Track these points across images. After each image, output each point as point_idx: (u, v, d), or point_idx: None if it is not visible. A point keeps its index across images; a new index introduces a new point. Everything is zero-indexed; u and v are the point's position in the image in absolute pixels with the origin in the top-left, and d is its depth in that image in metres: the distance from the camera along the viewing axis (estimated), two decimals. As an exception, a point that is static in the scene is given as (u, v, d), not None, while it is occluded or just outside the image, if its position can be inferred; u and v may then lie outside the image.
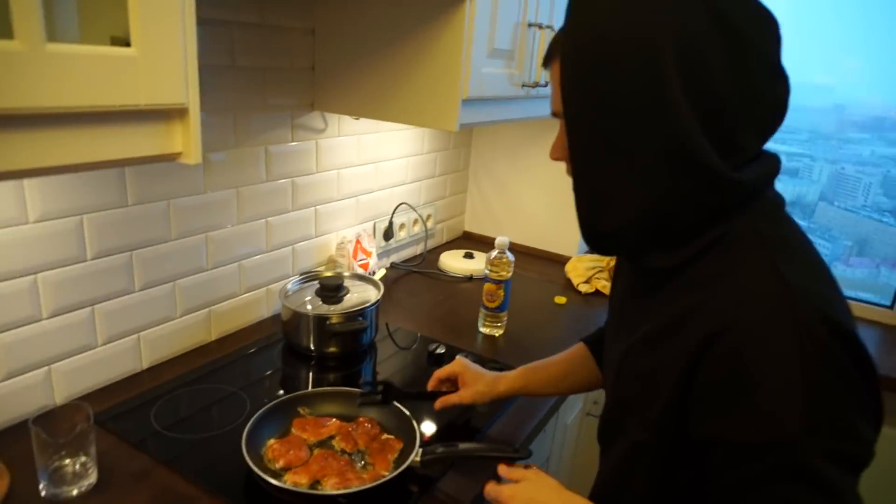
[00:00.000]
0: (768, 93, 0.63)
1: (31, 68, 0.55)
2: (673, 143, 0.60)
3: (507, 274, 1.45)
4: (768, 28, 0.63)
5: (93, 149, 0.63)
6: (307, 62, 1.39)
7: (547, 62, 0.74)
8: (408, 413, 1.04)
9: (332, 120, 1.50)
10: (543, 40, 1.44)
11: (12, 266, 0.95)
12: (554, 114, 0.72)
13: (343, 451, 0.99)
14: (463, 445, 0.98)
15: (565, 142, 0.69)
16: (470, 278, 1.84)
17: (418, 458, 0.95)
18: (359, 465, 0.97)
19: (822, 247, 2.10)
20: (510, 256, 1.46)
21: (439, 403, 1.07)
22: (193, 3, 0.67)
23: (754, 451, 0.57)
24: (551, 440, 1.42)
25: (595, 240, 0.71)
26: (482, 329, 1.50)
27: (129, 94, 0.63)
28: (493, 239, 1.48)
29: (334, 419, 1.06)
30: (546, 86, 1.50)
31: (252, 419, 0.98)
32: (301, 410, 1.07)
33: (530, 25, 1.39)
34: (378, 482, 0.89)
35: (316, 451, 0.98)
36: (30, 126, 0.57)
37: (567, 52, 0.64)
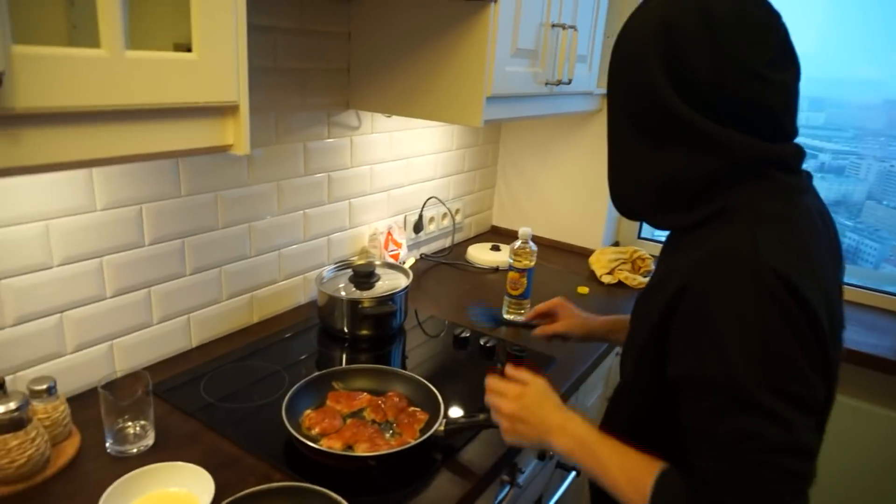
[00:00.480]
0: (742, 94, 0.70)
1: (113, 72, 0.65)
2: (663, 115, 0.72)
3: (529, 263, 1.52)
4: (757, 36, 0.70)
5: (159, 140, 0.73)
6: (343, 64, 1.48)
7: None
8: (433, 388, 1.12)
9: (366, 118, 1.59)
10: (565, 40, 1.51)
11: (83, 249, 1.06)
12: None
13: (373, 421, 1.08)
14: (483, 416, 1.05)
15: None
16: (496, 269, 1.92)
17: (442, 428, 1.03)
18: (387, 433, 1.05)
19: (870, 247, 2.08)
20: (532, 246, 1.53)
21: (539, 331, 1.22)
22: (245, 14, 0.76)
23: (714, 385, 0.66)
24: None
25: (616, 201, 0.84)
26: (506, 316, 1.58)
27: (190, 92, 0.73)
28: (511, 245, 1.56)
29: (365, 393, 1.15)
30: (570, 83, 1.56)
31: (291, 390, 1.08)
32: (335, 384, 1.16)
33: (553, 26, 1.46)
34: (405, 447, 0.98)
35: (349, 421, 1.07)
36: (109, 121, 0.67)
37: (614, 54, 0.80)
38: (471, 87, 1.31)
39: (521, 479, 1.19)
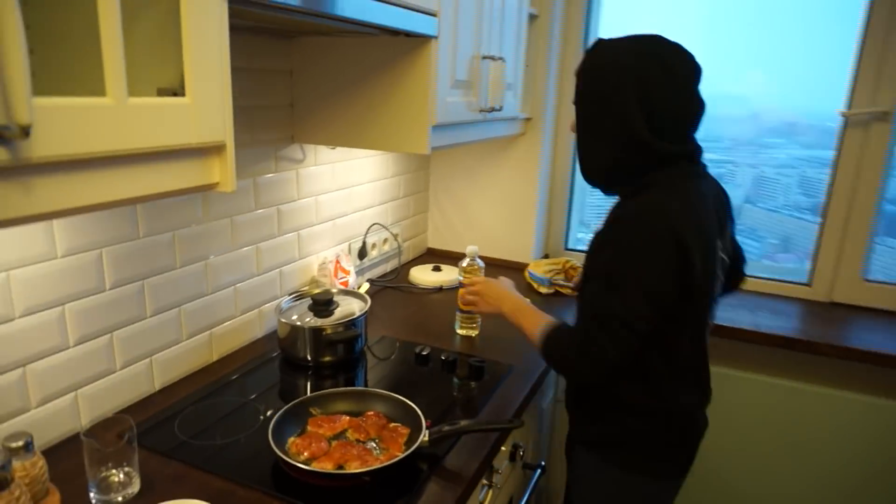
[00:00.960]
0: (683, 109, 1.10)
1: (117, 118, 0.67)
2: (625, 124, 1.09)
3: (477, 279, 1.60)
4: (692, 70, 1.10)
5: (155, 182, 0.76)
6: (286, 100, 1.52)
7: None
8: (410, 403, 1.17)
9: (310, 150, 1.63)
10: (495, 71, 1.63)
11: (44, 298, 1.04)
12: (575, 103, 1.17)
13: (358, 440, 1.12)
14: (464, 422, 1.12)
15: (573, 121, 1.18)
16: (440, 289, 1.99)
17: (426, 438, 1.09)
18: (374, 450, 1.09)
19: (750, 246, 2.28)
20: (480, 263, 1.63)
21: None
22: (228, 57, 0.81)
23: (604, 274, 1.08)
24: (532, 424, 1.58)
25: (587, 176, 1.19)
26: (459, 331, 1.65)
27: (184, 134, 0.76)
28: (456, 253, 1.66)
29: (344, 416, 1.18)
30: (500, 110, 1.69)
31: (272, 421, 1.09)
32: (313, 411, 1.19)
33: (484, 58, 1.58)
34: (396, 459, 1.02)
35: (334, 443, 1.10)
36: (112, 166, 0.70)
37: (584, 69, 1.14)
38: (416, 117, 1.40)
39: (497, 479, 1.26)
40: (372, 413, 1.18)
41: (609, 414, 1.19)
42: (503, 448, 1.31)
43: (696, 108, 1.11)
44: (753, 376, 1.88)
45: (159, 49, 0.77)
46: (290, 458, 1.05)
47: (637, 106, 1.06)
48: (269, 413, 1.22)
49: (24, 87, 0.55)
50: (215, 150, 0.83)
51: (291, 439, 1.11)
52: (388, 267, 2.14)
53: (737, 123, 2.15)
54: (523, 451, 1.42)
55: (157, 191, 0.76)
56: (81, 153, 0.64)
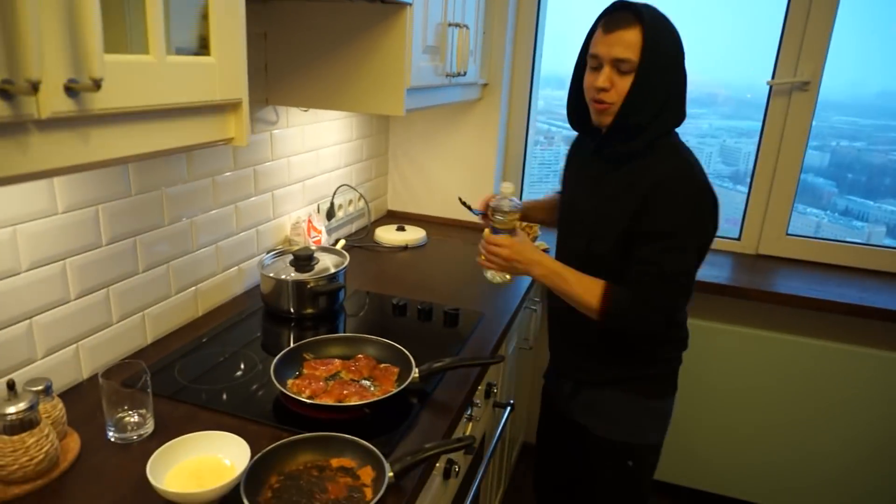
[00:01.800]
0: (684, 84, 1.23)
1: (158, 75, 0.73)
2: (680, 92, 1.21)
3: (513, 223, 1.34)
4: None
5: (182, 136, 0.82)
6: (261, 63, 1.56)
7: (622, 27, 1.15)
8: (399, 346, 1.28)
9: (282, 112, 1.68)
10: (461, 38, 1.72)
11: (48, 252, 1.07)
12: (619, 58, 1.15)
13: (352, 380, 1.21)
14: (449, 360, 1.24)
15: (613, 77, 1.17)
16: (405, 248, 2.09)
17: (417, 375, 1.20)
18: (370, 387, 1.20)
19: None
20: (517, 203, 1.33)
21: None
22: (244, 20, 0.86)
23: (667, 235, 1.17)
24: (502, 367, 1.71)
25: (613, 130, 1.21)
26: (492, 278, 1.39)
27: (210, 91, 0.82)
28: (415, 214, 1.68)
29: (336, 360, 1.27)
30: (464, 75, 1.78)
31: (272, 364, 1.17)
32: (306, 356, 1.27)
33: (450, 25, 1.66)
34: (392, 393, 1.13)
35: (331, 383, 1.19)
36: (148, 120, 0.75)
37: (650, 33, 1.13)
38: (393, 79, 1.47)
39: (476, 412, 1.39)
40: (362, 356, 1.28)
41: (639, 350, 1.33)
42: (480, 386, 1.44)
43: None
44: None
45: (178, 11, 0.82)
46: (293, 397, 1.14)
47: (685, 74, 1.20)
48: (260, 360, 1.30)
49: (99, 43, 0.60)
50: (232, 106, 0.89)
51: (290, 381, 1.19)
52: (354, 227, 2.21)
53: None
54: (496, 390, 1.55)
55: (186, 143, 0.82)
56: (131, 106, 0.70)
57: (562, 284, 1.26)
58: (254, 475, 0.91)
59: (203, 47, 0.82)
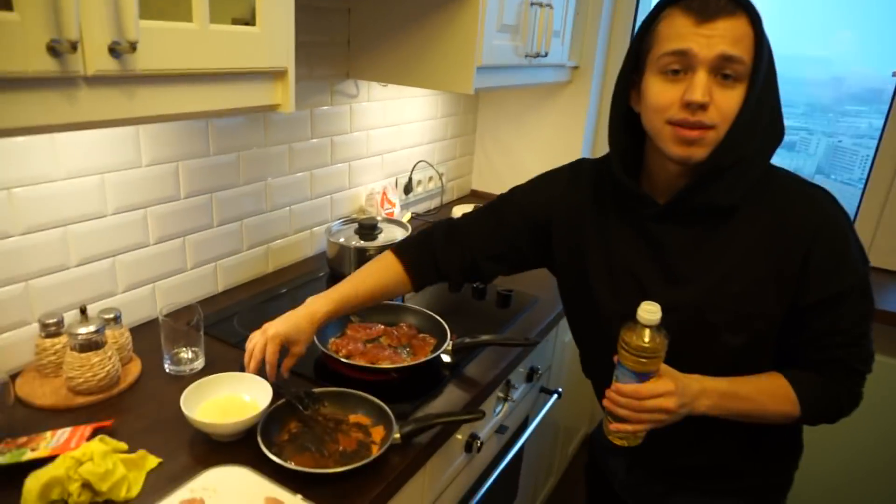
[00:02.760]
0: None
1: (201, 41, 0.81)
2: (778, 105, 0.88)
3: (651, 365, 0.93)
4: None
5: (229, 99, 0.89)
6: (343, 37, 1.64)
7: (725, 14, 0.80)
8: (439, 318, 1.31)
9: (363, 87, 1.75)
10: (543, 17, 1.69)
11: (131, 200, 1.21)
12: (727, 56, 0.80)
13: (390, 346, 1.27)
14: (485, 336, 1.25)
15: (711, 89, 0.81)
16: (479, 227, 2.11)
17: (450, 348, 1.23)
18: (404, 354, 1.24)
19: None
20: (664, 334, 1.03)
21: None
22: (293, -7, 0.92)
23: (849, 291, 0.87)
24: (552, 352, 1.70)
25: (715, 170, 0.85)
26: (618, 441, 0.98)
27: (254, 58, 0.89)
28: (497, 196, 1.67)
29: (380, 325, 1.33)
30: (546, 56, 1.75)
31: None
32: (353, 318, 1.34)
33: (532, 4, 1.64)
34: (421, 361, 1.17)
35: (369, 345, 1.25)
36: (195, 82, 0.83)
37: (758, 24, 0.81)
38: (463, 57, 1.48)
39: (514, 394, 1.40)
40: (404, 324, 1.33)
41: (784, 457, 1.05)
42: (521, 369, 1.44)
43: None
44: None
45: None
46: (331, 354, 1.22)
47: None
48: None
49: (135, 9, 0.68)
50: (279, 74, 0.96)
51: (332, 339, 1.26)
52: (432, 204, 2.26)
53: (814, 87, 2.00)
54: (540, 374, 1.55)
55: (230, 106, 0.90)
56: (173, 69, 0.78)
57: (740, 407, 0.90)
58: (275, 417, 0.99)
59: (253, 17, 0.89)
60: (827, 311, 0.88)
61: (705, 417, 0.90)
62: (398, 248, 1.17)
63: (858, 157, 2.05)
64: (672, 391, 0.85)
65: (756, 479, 1.03)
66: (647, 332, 0.83)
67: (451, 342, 1.23)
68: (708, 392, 0.88)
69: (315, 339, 1.19)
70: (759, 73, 0.81)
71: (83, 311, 1.03)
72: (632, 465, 1.14)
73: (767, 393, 0.91)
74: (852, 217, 1.93)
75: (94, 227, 1.16)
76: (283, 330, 1.02)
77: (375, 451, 0.95)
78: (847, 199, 1.98)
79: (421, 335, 1.31)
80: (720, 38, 0.80)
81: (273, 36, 0.90)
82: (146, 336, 1.24)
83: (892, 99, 1.84)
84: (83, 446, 0.86)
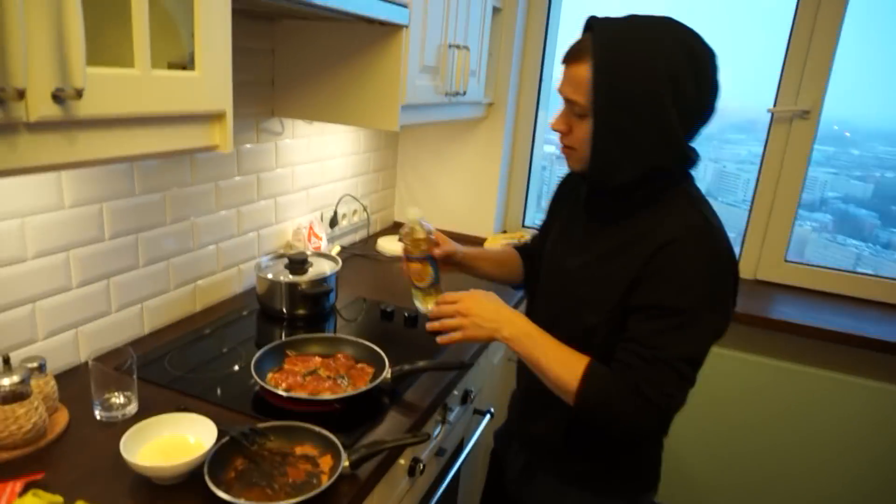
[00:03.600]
0: (710, 104, 0.96)
1: (143, 85, 0.82)
2: (663, 133, 0.93)
3: (425, 247, 1.25)
4: (714, 61, 0.94)
5: (167, 141, 0.91)
6: (268, 77, 1.66)
7: (571, 61, 0.97)
8: (376, 347, 1.34)
9: (288, 124, 1.78)
10: (461, 58, 1.79)
11: (53, 243, 1.17)
12: (568, 98, 0.98)
13: (328, 377, 1.28)
14: (421, 362, 1.30)
15: (570, 120, 0.99)
16: (405, 258, 2.16)
17: (389, 376, 1.26)
18: (344, 384, 1.26)
19: None
20: (428, 226, 1.28)
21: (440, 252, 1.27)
22: (230, 36, 0.95)
23: (667, 311, 0.92)
24: (483, 373, 1.77)
25: (595, 188, 1.03)
26: (420, 305, 1.30)
27: (194, 102, 0.91)
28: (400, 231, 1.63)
29: (317, 356, 1.34)
30: (464, 94, 1.85)
31: (254, 357, 1.25)
32: (289, 352, 1.35)
33: (450, 46, 1.74)
34: (363, 389, 1.20)
35: (308, 377, 1.26)
36: (134, 125, 0.84)
37: (599, 68, 0.92)
38: (388, 97, 1.55)
39: (450, 416, 1.44)
40: (341, 355, 1.35)
41: (605, 449, 1.10)
42: (455, 392, 1.49)
43: (714, 108, 0.97)
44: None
45: (170, 28, 0.92)
46: (269, 389, 1.22)
47: (673, 110, 0.91)
48: (249, 356, 1.38)
49: (82, 56, 0.69)
50: (217, 116, 0.98)
51: (270, 374, 1.27)
52: (357, 237, 2.30)
53: None
54: (474, 396, 1.61)
55: (170, 148, 0.91)
56: (116, 113, 0.79)
57: (535, 353, 1.01)
58: (220, 456, 0.99)
59: (190, 62, 0.91)
60: (644, 319, 0.94)
61: (576, 430, 1.07)
62: (519, 248, 1.41)
63: (741, 181, 2.28)
64: (463, 301, 1.09)
65: (598, 465, 1.10)
66: (414, 227, 1.22)
67: (389, 371, 1.26)
68: (517, 325, 1.04)
69: (253, 372, 1.20)
70: (598, 113, 0.94)
71: (6, 360, 0.99)
72: (508, 437, 1.30)
73: (561, 357, 0.99)
74: (739, 236, 2.21)
75: (12, 273, 1.11)
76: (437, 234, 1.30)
77: (325, 481, 0.96)
78: (733, 218, 2.23)
79: (359, 365, 1.33)
80: (565, 83, 0.99)
81: (211, 79, 0.93)
82: (72, 383, 1.19)
83: (768, 130, 2.09)
84: (16, 502, 0.82)
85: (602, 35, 0.93)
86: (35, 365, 1.05)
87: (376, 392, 1.25)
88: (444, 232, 1.46)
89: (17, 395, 0.98)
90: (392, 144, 2.43)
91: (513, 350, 1.04)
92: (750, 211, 2.18)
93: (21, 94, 0.65)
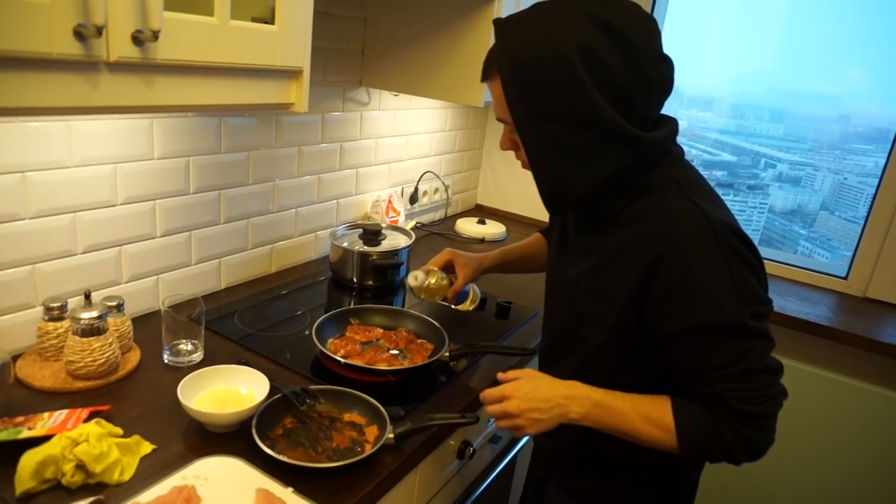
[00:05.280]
0: (655, 76, 0.82)
1: (221, 35, 0.83)
2: (602, 129, 0.81)
3: (440, 296, 1.33)
4: (645, 24, 0.81)
5: (244, 94, 0.91)
6: (359, 45, 1.67)
7: (485, 78, 0.91)
8: (437, 324, 1.32)
9: (375, 95, 1.78)
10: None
11: (141, 191, 1.23)
12: (499, 119, 0.92)
13: (388, 349, 1.27)
14: (482, 343, 1.26)
15: (513, 137, 0.91)
16: (482, 240, 2.12)
17: (447, 354, 1.23)
18: (401, 358, 1.25)
19: (821, 256, 2.12)
20: (427, 280, 1.31)
21: (451, 293, 1.30)
22: (313, -4, 0.95)
23: (710, 328, 0.81)
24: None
25: (556, 210, 0.94)
26: (461, 309, 1.41)
27: (271, 56, 0.91)
28: (502, 211, 1.67)
29: (378, 328, 1.34)
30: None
31: (316, 322, 1.26)
32: (352, 320, 1.35)
33: (545, 22, 1.67)
34: (418, 365, 1.18)
35: (368, 348, 1.26)
36: (212, 75, 0.85)
37: (505, 79, 0.83)
38: (475, 71, 1.50)
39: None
40: (403, 329, 1.34)
41: (615, 468, 1.01)
42: (517, 380, 1.44)
43: (662, 70, 0.84)
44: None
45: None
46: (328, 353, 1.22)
47: (599, 92, 0.79)
48: (314, 320, 1.39)
49: (159, 1, 0.70)
50: (294, 74, 0.98)
51: (331, 340, 1.27)
52: (437, 215, 2.28)
53: (821, 124, 2.02)
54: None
55: (245, 101, 0.92)
56: (193, 60, 0.80)
57: (613, 420, 0.89)
58: (271, 412, 1.00)
59: (272, 17, 0.92)
60: (689, 345, 0.83)
61: (592, 445, 0.98)
62: (543, 231, 1.37)
63: (863, 196, 2.05)
64: (509, 394, 0.93)
65: (609, 482, 1.02)
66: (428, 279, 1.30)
67: (447, 349, 1.24)
68: (579, 399, 0.90)
69: (314, 336, 1.21)
70: (517, 125, 0.85)
71: (87, 296, 1.05)
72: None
73: (642, 412, 0.87)
74: (845, 252, 1.97)
75: (102, 216, 1.17)
76: (460, 253, 1.34)
77: (368, 450, 0.95)
78: (850, 236, 2.00)
79: (419, 340, 1.31)
80: (493, 101, 0.91)
81: (291, 35, 0.93)
82: (147, 326, 1.25)
83: (895, 138, 1.87)
84: (79, 428, 0.86)
85: (503, 38, 0.84)
86: (114, 304, 1.11)
87: (433, 369, 1.23)
88: (525, 218, 1.46)
89: (94, 330, 1.03)
90: (480, 124, 2.39)
91: (590, 426, 0.91)
92: (865, 223, 1.96)
93: (100, 31, 0.67)
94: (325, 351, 1.18)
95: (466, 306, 1.39)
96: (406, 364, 1.22)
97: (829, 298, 2.00)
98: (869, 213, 1.95)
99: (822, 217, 2.14)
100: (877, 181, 1.92)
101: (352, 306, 1.37)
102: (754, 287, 0.82)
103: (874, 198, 1.93)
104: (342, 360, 1.17)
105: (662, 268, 0.82)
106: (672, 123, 0.90)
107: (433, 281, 1.30)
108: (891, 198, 1.90)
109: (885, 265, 1.94)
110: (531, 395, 0.92)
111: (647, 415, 0.87)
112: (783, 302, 1.92)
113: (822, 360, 1.90)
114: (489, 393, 0.96)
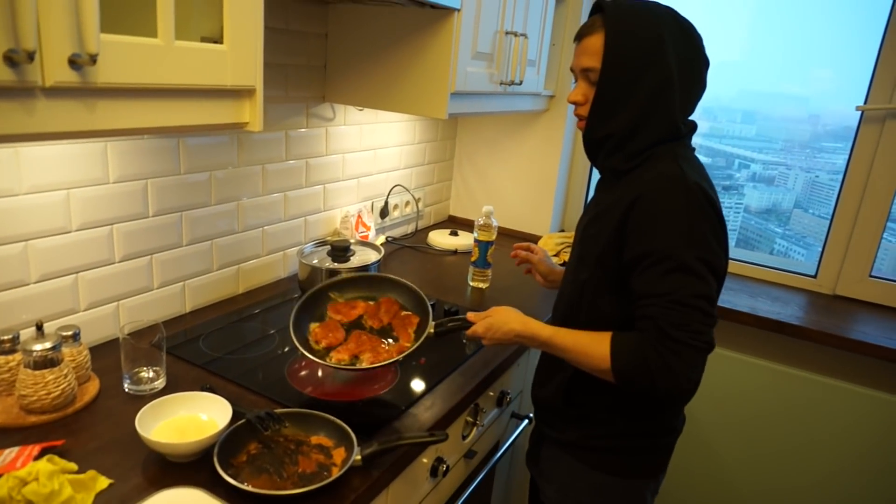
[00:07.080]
0: (701, 76, 1.07)
1: (165, 56, 0.81)
2: (660, 85, 1.02)
3: (488, 237, 1.78)
4: (698, 34, 1.06)
5: (193, 115, 0.89)
6: (320, 61, 1.65)
7: (586, 34, 1.07)
8: (420, 292, 1.25)
9: (340, 110, 1.76)
10: (517, 46, 1.72)
11: (97, 216, 1.20)
12: (584, 68, 1.06)
13: (371, 329, 1.22)
14: (469, 312, 1.21)
15: (587, 92, 1.08)
16: (454, 252, 2.11)
17: (432, 330, 1.17)
18: (386, 341, 1.20)
19: (798, 254, 2.17)
20: (494, 222, 1.78)
21: (524, 255, 1.46)
22: (262, 12, 0.93)
23: (658, 258, 0.96)
24: (522, 377, 1.69)
25: (589, 144, 1.11)
26: (471, 283, 1.83)
27: (220, 76, 0.90)
28: (475, 221, 1.77)
29: (360, 301, 1.27)
30: (521, 84, 1.78)
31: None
32: (332, 295, 1.26)
33: (507, 33, 1.67)
34: (403, 354, 1.13)
35: (351, 333, 1.20)
36: (158, 97, 0.83)
37: (611, 34, 1.02)
38: (437, 83, 1.51)
39: (484, 419, 1.38)
40: (384, 300, 1.27)
41: (604, 414, 1.14)
42: (490, 393, 1.43)
43: (704, 82, 1.08)
44: (745, 358, 1.96)
45: (204, 4, 0.90)
46: (311, 345, 1.16)
47: (669, 65, 1.00)
48: (285, 341, 1.37)
49: (95, 23, 0.68)
50: (247, 93, 0.96)
51: (313, 325, 1.21)
52: (409, 229, 2.27)
53: (792, 124, 2.07)
54: (511, 399, 1.53)
55: (194, 123, 0.90)
56: (135, 83, 0.78)
57: (555, 339, 1.08)
58: (235, 438, 0.97)
59: (220, 36, 0.90)
60: (642, 271, 0.99)
61: (577, 388, 1.14)
62: None
63: (834, 192, 2.07)
64: (480, 325, 1.14)
65: (584, 433, 1.16)
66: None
67: (432, 325, 1.17)
68: (528, 338, 1.11)
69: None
70: (603, 72, 1.03)
71: (39, 327, 1.01)
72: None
73: (582, 345, 1.04)
74: (820, 248, 2.02)
75: (56, 243, 1.14)
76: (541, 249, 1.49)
77: (335, 473, 0.93)
78: (824, 232, 2.03)
79: (403, 313, 1.26)
80: (581, 55, 1.07)
81: (241, 54, 0.91)
82: (108, 354, 1.22)
83: (856, 133, 1.90)
84: (29, 466, 0.83)
85: (613, 10, 1.04)
86: (69, 333, 1.07)
87: (420, 349, 1.16)
88: (502, 229, 1.73)
89: (47, 362, 1.00)
90: (449, 136, 2.39)
91: (535, 346, 1.12)
92: (831, 220, 1.98)
93: (31, 57, 0.65)
94: (305, 354, 1.12)
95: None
96: (392, 350, 1.17)
97: (799, 297, 2.02)
98: (834, 211, 1.98)
99: (796, 215, 2.19)
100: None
101: (329, 280, 1.30)
102: (707, 237, 0.97)
103: (838, 196, 1.96)
104: (322, 362, 1.12)
105: (637, 204, 1.00)
106: (694, 124, 1.12)
107: None
108: (855, 195, 1.93)
109: (851, 262, 1.97)
110: (492, 331, 1.13)
111: (587, 347, 1.03)
112: (754, 302, 1.93)
113: (793, 360, 1.91)
114: (469, 332, 1.16)
